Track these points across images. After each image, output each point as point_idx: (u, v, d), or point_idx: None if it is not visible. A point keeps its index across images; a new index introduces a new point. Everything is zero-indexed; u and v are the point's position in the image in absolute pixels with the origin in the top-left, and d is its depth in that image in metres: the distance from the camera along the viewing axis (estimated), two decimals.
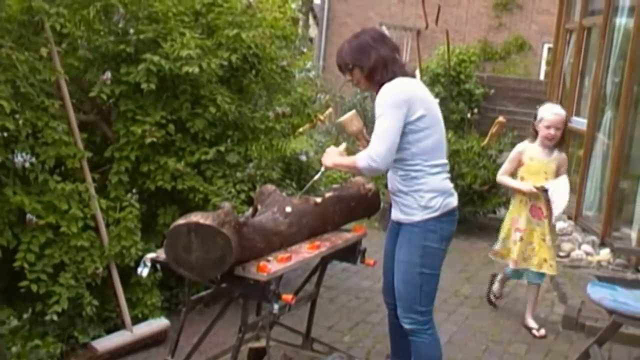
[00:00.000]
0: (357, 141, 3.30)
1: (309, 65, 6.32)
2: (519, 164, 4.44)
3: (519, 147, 4.48)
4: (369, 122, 3.06)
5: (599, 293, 3.79)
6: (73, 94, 3.96)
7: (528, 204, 4.37)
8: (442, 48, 11.18)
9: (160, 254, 2.92)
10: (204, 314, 4.03)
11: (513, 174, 4.51)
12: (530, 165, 4.38)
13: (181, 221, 2.72)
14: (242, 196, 4.08)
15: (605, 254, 5.74)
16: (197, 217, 2.69)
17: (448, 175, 3.10)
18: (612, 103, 6.35)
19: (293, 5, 5.84)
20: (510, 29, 15.59)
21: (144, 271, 3.02)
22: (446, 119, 3.21)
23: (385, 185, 3.24)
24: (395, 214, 3.13)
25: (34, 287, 3.46)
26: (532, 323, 4.46)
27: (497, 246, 4.59)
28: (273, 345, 3.63)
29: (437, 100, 3.17)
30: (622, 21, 6.32)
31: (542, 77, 14.70)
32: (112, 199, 3.91)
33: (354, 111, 3.33)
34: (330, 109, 4.35)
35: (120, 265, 3.84)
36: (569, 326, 4.54)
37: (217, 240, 2.64)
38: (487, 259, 6.04)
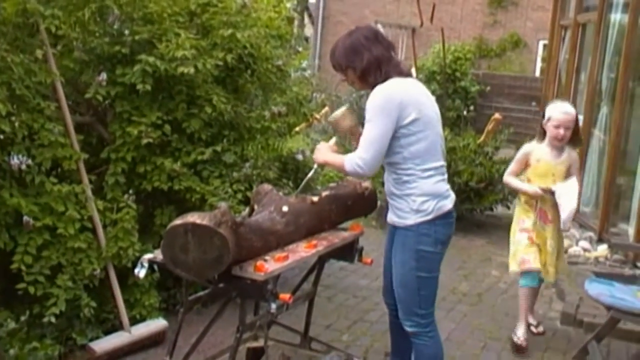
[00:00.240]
0: (351, 137, 3.24)
1: (304, 64, 6.31)
2: (526, 165, 4.18)
3: (526, 147, 4.20)
4: (363, 120, 3.03)
5: (597, 289, 3.80)
6: (69, 96, 3.96)
7: (535, 206, 4.14)
8: (437, 46, 11.19)
9: (158, 255, 2.92)
10: (201, 314, 4.03)
11: (519, 174, 4.26)
12: (537, 167, 4.12)
13: (178, 221, 2.72)
14: (239, 196, 4.09)
15: (602, 250, 5.75)
16: (193, 218, 2.69)
17: (443, 177, 3.03)
18: (607, 99, 6.36)
19: (288, 5, 5.83)
20: (505, 26, 15.61)
21: (141, 272, 3.02)
22: (442, 116, 3.16)
23: (382, 184, 3.23)
24: (390, 217, 3.10)
25: (31, 289, 3.46)
26: (530, 319, 4.44)
27: (512, 256, 4.22)
28: (271, 345, 3.63)
29: (434, 98, 3.10)
30: (617, 17, 6.33)
31: (537, 73, 14.73)
32: (109, 200, 3.92)
33: (345, 107, 3.28)
34: (327, 108, 4.34)
35: (118, 266, 3.84)
36: (567, 322, 4.54)
37: (214, 241, 2.64)
38: (485, 256, 6.09)
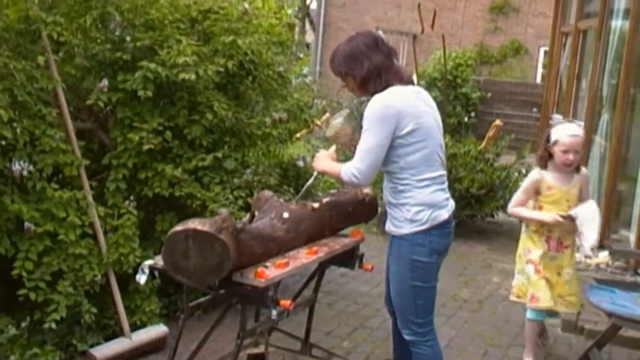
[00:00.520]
0: (351, 146, 3.20)
1: (305, 70, 6.33)
2: (535, 193, 3.84)
3: (535, 175, 3.84)
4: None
5: (598, 296, 3.80)
6: (70, 102, 3.97)
7: (544, 235, 3.81)
8: (438, 52, 11.23)
9: (158, 261, 2.93)
10: (202, 320, 4.03)
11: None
12: (549, 195, 3.79)
13: (179, 228, 2.72)
14: (240, 202, 4.09)
15: (603, 256, 5.73)
16: (194, 224, 2.69)
17: (441, 187, 2.99)
18: (608, 105, 6.36)
19: (289, 11, 5.85)
20: (506, 32, 15.66)
21: (142, 278, 3.02)
22: (443, 123, 3.15)
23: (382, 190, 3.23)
24: (388, 226, 3.07)
25: (32, 295, 3.46)
26: (538, 341, 4.11)
27: (514, 284, 4.03)
28: (272, 351, 3.63)
29: (435, 105, 3.06)
30: (618, 23, 6.34)
31: (538, 80, 14.78)
32: (110, 206, 3.92)
33: (343, 117, 3.25)
34: (328, 114, 4.35)
35: (119, 272, 3.84)
36: (569, 329, 4.53)
37: (215, 247, 2.65)
38: (486, 262, 6.08)
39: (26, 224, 3.45)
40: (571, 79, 7.35)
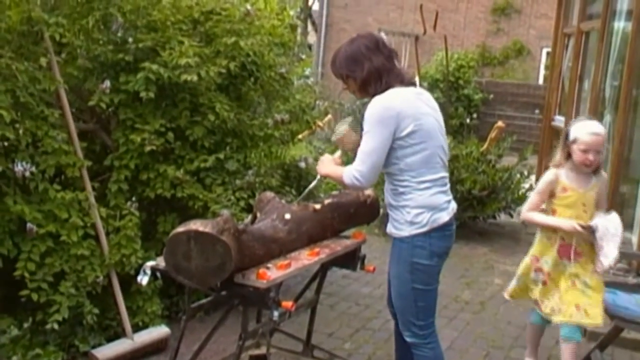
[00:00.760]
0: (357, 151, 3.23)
1: (307, 72, 6.33)
2: (550, 195, 3.57)
3: (550, 175, 3.55)
4: None
5: None
6: (72, 103, 3.97)
7: (557, 242, 3.53)
8: (440, 54, 11.24)
9: (160, 262, 2.93)
10: (204, 321, 4.03)
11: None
12: (563, 197, 3.51)
13: (181, 229, 2.73)
14: (242, 203, 4.09)
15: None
16: (196, 225, 2.69)
17: (442, 189, 2.96)
18: (611, 107, 6.36)
19: (291, 12, 5.86)
20: (508, 33, 15.66)
21: (144, 279, 3.02)
22: (445, 124, 3.14)
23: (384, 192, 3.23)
24: (388, 228, 3.05)
25: (34, 296, 3.47)
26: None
27: (511, 285, 3.77)
28: (273, 353, 3.64)
29: (437, 107, 3.05)
30: (620, 25, 6.34)
31: (540, 81, 14.78)
32: (112, 207, 3.92)
33: (348, 122, 3.23)
34: (330, 116, 4.35)
35: (121, 273, 3.84)
36: None
37: (217, 248, 2.65)
38: (487, 264, 6.07)
39: (28, 225, 3.46)
40: (573, 81, 7.34)
